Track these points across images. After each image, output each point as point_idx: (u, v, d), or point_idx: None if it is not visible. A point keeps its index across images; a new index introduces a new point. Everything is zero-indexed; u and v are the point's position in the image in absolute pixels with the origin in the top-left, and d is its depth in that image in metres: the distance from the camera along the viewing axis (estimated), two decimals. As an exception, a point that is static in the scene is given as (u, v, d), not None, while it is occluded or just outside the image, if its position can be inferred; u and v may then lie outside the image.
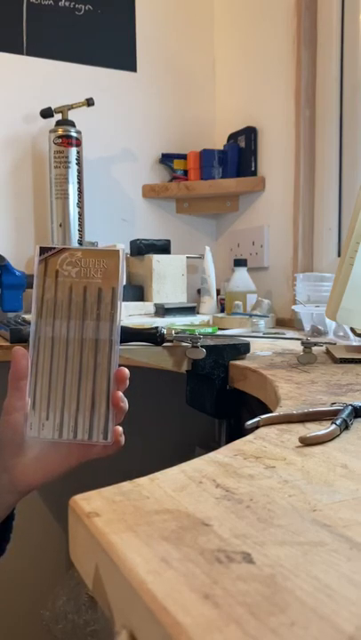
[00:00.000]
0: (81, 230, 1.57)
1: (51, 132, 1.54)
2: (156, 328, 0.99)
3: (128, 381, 0.57)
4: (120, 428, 0.57)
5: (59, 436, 0.57)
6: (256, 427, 0.54)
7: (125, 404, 0.57)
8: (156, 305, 1.47)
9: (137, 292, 1.55)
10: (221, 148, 1.75)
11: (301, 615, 0.24)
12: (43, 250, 0.57)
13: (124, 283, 1.51)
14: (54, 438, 0.57)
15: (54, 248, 0.57)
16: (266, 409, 0.76)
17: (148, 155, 1.78)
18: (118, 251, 0.57)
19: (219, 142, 1.83)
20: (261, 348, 1.09)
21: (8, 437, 0.59)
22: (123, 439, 0.58)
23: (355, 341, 1.10)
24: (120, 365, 0.57)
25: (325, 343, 1.03)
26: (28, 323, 1.20)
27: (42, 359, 0.57)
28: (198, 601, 0.25)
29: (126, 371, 0.57)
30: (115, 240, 1.67)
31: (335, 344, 1.06)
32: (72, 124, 1.55)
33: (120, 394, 0.57)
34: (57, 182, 1.54)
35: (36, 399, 0.57)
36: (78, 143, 1.55)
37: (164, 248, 1.61)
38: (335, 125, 1.45)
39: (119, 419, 0.57)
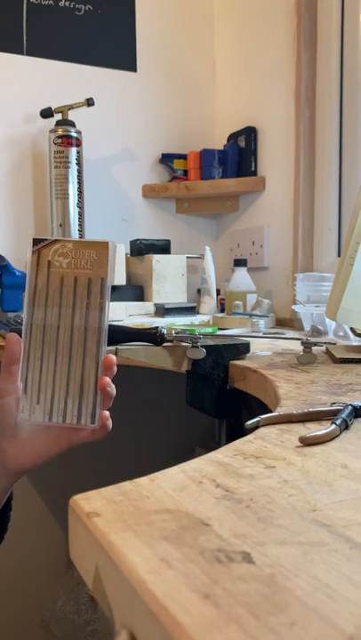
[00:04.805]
0: (81, 230, 1.57)
1: (51, 132, 1.54)
2: (156, 328, 0.99)
3: (116, 367, 0.59)
4: (107, 413, 0.59)
5: (49, 420, 0.59)
6: (256, 427, 0.54)
7: (112, 389, 0.59)
8: (156, 305, 1.47)
9: (137, 291, 1.55)
10: (221, 147, 1.75)
11: (301, 615, 0.24)
12: (36, 241, 0.59)
13: (124, 281, 1.51)
14: (45, 422, 0.59)
15: (47, 239, 0.59)
16: (266, 409, 0.75)
17: (148, 155, 1.78)
18: (107, 242, 0.59)
19: (219, 142, 1.83)
20: (261, 347, 1.09)
21: (0, 420, 0.61)
22: (110, 423, 0.59)
23: (355, 341, 1.10)
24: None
25: (325, 343, 1.03)
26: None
27: (34, 346, 0.59)
28: (198, 601, 0.25)
29: (113, 357, 0.59)
30: (114, 240, 1.67)
31: (335, 344, 1.06)
32: (72, 124, 1.55)
33: (107, 379, 0.58)
34: (57, 182, 1.54)
35: (28, 384, 0.59)
36: (78, 143, 1.55)
37: (164, 248, 1.61)
38: (335, 125, 1.45)
39: (107, 404, 0.59)
